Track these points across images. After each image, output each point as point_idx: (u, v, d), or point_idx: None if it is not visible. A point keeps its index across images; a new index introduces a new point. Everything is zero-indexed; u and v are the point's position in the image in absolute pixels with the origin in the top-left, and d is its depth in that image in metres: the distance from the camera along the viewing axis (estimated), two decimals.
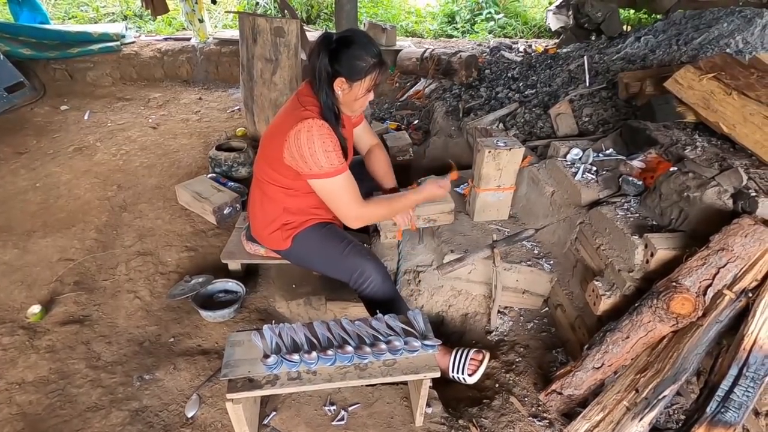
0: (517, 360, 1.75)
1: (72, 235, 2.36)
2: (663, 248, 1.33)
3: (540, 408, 1.55)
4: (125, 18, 5.14)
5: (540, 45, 4.24)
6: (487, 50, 4.15)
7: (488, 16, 5.52)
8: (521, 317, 1.94)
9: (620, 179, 1.69)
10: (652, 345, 1.34)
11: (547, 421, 1.50)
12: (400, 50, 4.19)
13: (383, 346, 1.38)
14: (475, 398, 1.65)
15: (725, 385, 1.21)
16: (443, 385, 1.73)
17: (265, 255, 1.97)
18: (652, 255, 1.35)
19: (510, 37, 5.26)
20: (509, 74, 3.45)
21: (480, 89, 3.41)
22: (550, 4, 5.18)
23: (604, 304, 1.45)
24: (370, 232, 2.21)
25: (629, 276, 1.41)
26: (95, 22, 5.04)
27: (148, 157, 3.13)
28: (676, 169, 1.50)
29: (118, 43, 4.32)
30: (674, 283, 1.26)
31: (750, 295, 1.22)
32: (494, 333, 1.92)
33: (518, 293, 1.91)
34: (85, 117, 3.69)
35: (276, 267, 2.18)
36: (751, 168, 1.38)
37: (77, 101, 3.94)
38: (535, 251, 1.92)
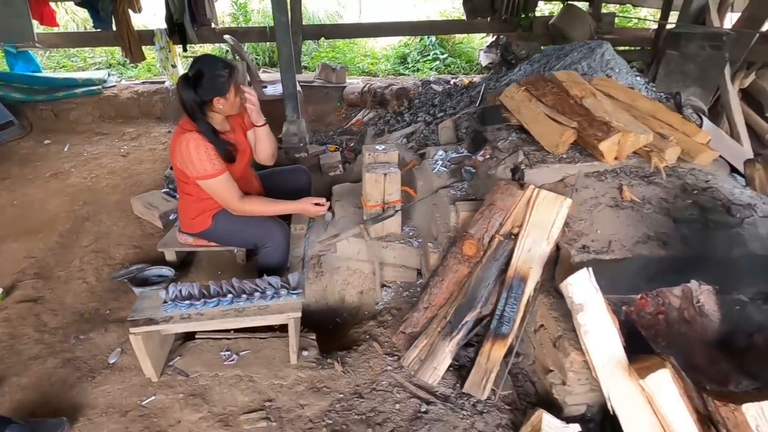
0: (389, 319, 2.14)
1: (38, 240, 2.78)
2: (464, 210, 1.77)
3: (393, 348, 1.92)
4: (110, 66, 5.79)
5: (467, 79, 4.86)
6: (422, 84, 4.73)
7: (434, 56, 6.22)
8: (401, 288, 2.33)
9: (463, 170, 2.16)
10: (460, 283, 1.74)
11: (396, 356, 1.88)
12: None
13: (257, 294, 1.79)
14: (348, 346, 2.03)
15: (500, 306, 1.61)
16: (328, 338, 2.13)
17: (194, 243, 2.38)
18: (458, 216, 1.79)
19: (453, 74, 5.91)
20: (432, 102, 4.01)
21: (405, 115, 3.96)
22: (484, 44, 5.89)
23: (433, 258, 1.87)
24: (289, 223, 2.63)
25: (446, 234, 1.84)
26: (83, 70, 5.68)
27: (114, 179, 3.61)
28: (489, 156, 1.96)
29: (100, 87, 4.91)
30: (465, 233, 1.69)
31: (514, 237, 1.64)
32: (380, 304, 2.31)
33: (397, 268, 2.32)
34: (65, 149, 4.19)
35: (206, 257, 2.60)
36: (530, 151, 1.84)
37: (60, 136, 4.47)
38: (410, 233, 2.35)
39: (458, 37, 6.71)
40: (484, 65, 5.24)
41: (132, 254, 2.65)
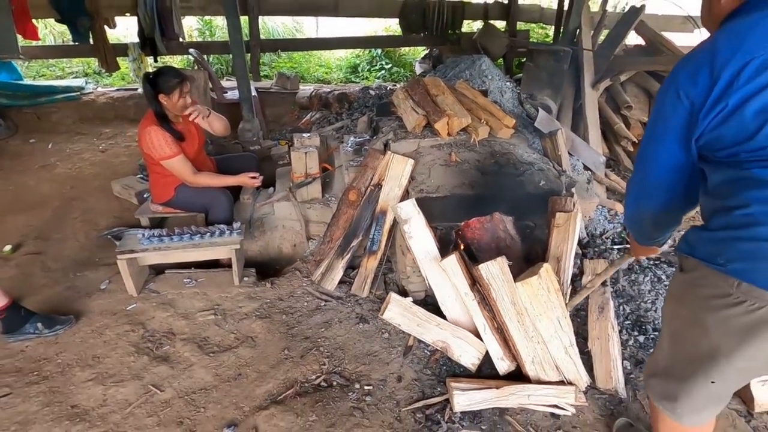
0: (311, 258, 2.92)
1: (35, 214, 3.45)
2: (352, 172, 2.58)
3: (309, 274, 2.71)
4: (86, 75, 6.41)
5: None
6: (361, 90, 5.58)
7: (380, 66, 7.10)
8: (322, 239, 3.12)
9: (362, 149, 2.98)
10: (348, 221, 2.55)
11: (311, 280, 2.66)
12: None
13: (208, 234, 2.55)
14: (275, 274, 2.80)
15: (371, 232, 2.43)
16: (265, 275, 2.88)
17: (163, 211, 3.11)
18: (349, 176, 2.60)
19: (396, 82, 6.79)
20: (366, 104, 4.85)
21: (343, 115, 4.78)
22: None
23: (335, 209, 2.67)
24: (240, 193, 3.38)
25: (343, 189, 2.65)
26: (61, 79, 6.28)
27: (95, 169, 4.28)
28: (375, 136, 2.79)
29: (78, 93, 5.55)
30: (350, 186, 2.50)
31: (380, 186, 2.46)
32: (307, 252, 3.09)
33: (319, 224, 3.11)
34: (49, 146, 4.82)
35: (174, 222, 3.31)
36: (399, 132, 2.67)
37: (43, 136, 5.07)
38: (330, 198, 3.15)
39: (404, 49, 7.63)
40: (418, 74, 6.12)
41: (114, 222, 3.35)
